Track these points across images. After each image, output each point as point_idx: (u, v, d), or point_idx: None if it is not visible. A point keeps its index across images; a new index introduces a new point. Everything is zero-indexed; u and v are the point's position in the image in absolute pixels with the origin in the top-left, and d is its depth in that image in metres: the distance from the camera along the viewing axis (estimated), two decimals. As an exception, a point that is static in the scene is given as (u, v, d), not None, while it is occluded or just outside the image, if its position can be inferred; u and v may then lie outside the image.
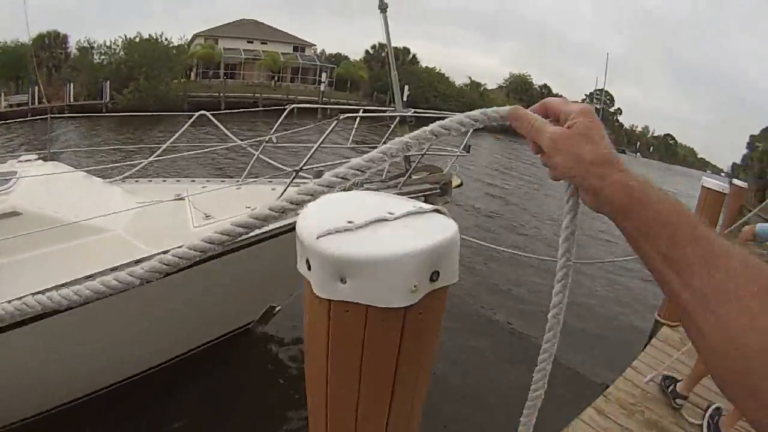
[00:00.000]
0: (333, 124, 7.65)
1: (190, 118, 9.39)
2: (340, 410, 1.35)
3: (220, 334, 8.62)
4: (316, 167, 7.85)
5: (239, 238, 3.72)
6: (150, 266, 1.48)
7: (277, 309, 9.01)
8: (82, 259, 6.22)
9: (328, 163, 8.56)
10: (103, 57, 69.47)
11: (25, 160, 9.40)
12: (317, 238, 1.16)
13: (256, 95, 68.72)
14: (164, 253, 1.43)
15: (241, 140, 9.35)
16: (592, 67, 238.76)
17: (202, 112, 9.33)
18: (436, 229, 1.24)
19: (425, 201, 6.81)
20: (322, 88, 74.79)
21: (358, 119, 8.53)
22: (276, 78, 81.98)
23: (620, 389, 6.72)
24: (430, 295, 1.20)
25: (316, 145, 7.56)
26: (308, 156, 7.54)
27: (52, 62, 72.52)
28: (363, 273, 1.14)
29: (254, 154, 9.14)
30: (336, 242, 1.16)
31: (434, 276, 1.19)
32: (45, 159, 9.74)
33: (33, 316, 5.76)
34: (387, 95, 73.46)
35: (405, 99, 65.12)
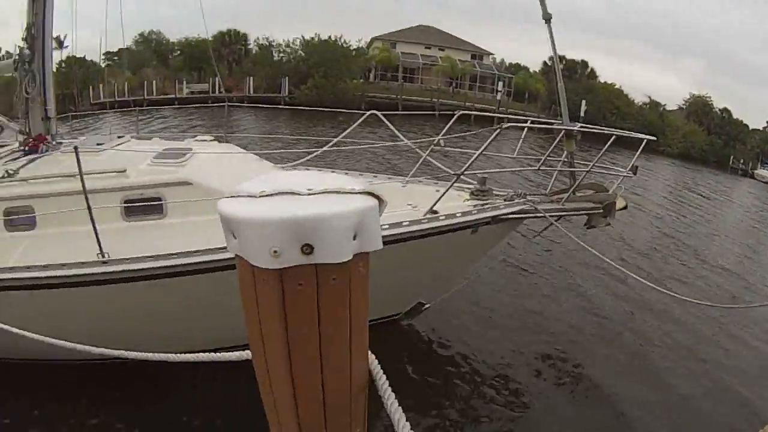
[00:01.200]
0: (495, 133, 7.80)
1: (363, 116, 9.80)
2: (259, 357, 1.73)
3: (370, 318, 8.63)
4: (479, 173, 8.40)
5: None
6: None
7: (426, 306, 9.18)
8: None
9: (489, 170, 8.79)
10: (281, 55, 74.50)
11: (201, 140, 10.62)
12: (221, 198, 1.53)
13: (434, 100, 68.90)
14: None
15: (410, 142, 9.60)
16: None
17: (373, 111, 9.77)
18: (325, 206, 1.42)
19: (588, 220, 7.53)
20: (498, 98, 74.38)
21: (525, 130, 8.69)
22: (454, 84, 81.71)
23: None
24: (311, 270, 1.45)
25: (477, 153, 7.75)
26: (469, 162, 7.74)
27: (233, 57, 78.09)
28: (238, 231, 1.45)
29: (421, 155, 9.44)
30: (233, 204, 1.47)
31: (306, 248, 1.40)
32: (220, 140, 10.92)
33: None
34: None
35: (582, 115, 64.38)
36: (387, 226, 7.09)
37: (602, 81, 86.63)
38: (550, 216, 8.09)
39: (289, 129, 36.66)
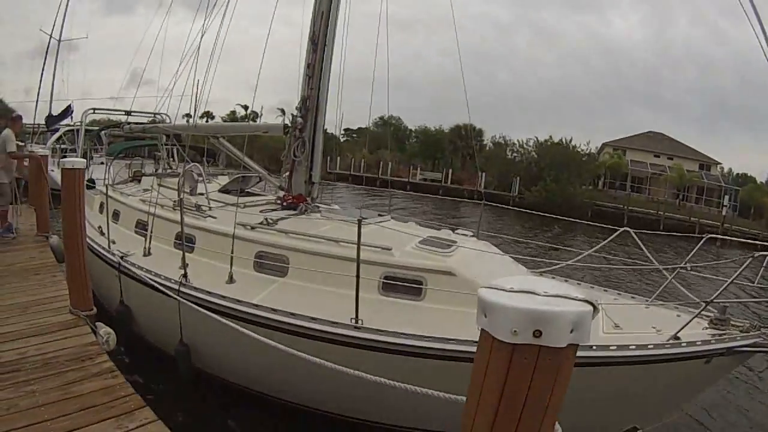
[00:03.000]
0: (747, 262, 7.57)
1: (611, 232, 10.24)
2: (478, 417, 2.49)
3: None
4: (725, 302, 8.04)
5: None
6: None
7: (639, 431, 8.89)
8: None
9: (736, 300, 8.77)
10: (515, 154, 75.41)
11: (462, 234, 11.26)
12: (481, 287, 2.45)
13: (659, 213, 66.67)
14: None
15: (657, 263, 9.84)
16: None
17: (626, 228, 10.06)
18: (553, 305, 2.21)
19: None
20: (724, 213, 69.55)
21: (755, 254, 7.79)
22: (681, 197, 79.08)
23: None
24: (536, 350, 2.22)
25: (728, 282, 7.66)
26: (719, 291, 7.60)
27: (467, 151, 78.95)
28: (489, 312, 2.30)
29: (667, 278, 9.42)
30: (488, 292, 2.35)
31: (536, 333, 2.18)
32: (477, 237, 11.46)
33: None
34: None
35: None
36: (633, 347, 7.12)
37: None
38: None
39: (517, 228, 37.06)
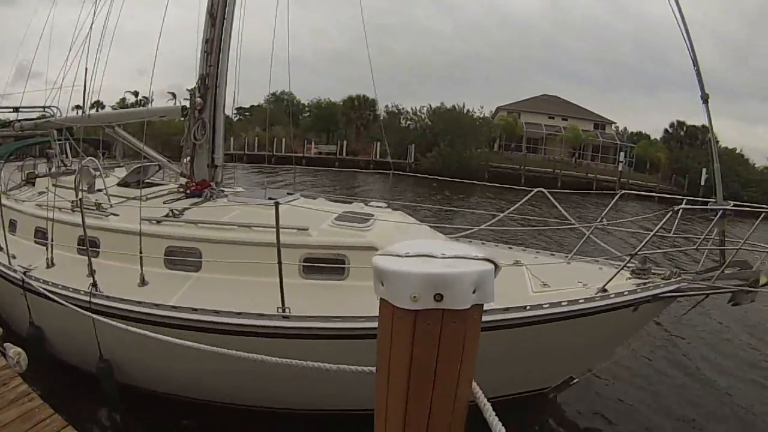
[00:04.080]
0: (666, 218, 8.09)
1: (512, 192, 10.70)
2: (383, 388, 2.36)
3: (519, 391, 8.94)
4: (647, 253, 8.66)
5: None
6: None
7: (575, 381, 9.24)
8: None
9: (657, 251, 9.16)
10: (408, 122, 76.10)
11: (377, 206, 10.97)
12: (375, 255, 2.27)
13: (556, 171, 68.98)
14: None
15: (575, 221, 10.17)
16: None
17: (541, 189, 10.25)
18: (452, 267, 2.12)
19: (732, 296, 7.68)
20: (620, 168, 73.20)
21: (680, 212, 8.37)
22: (576, 155, 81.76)
23: None
24: (439, 314, 2.10)
25: (651, 234, 8.17)
26: (643, 243, 8.20)
27: (361, 122, 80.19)
28: (386, 279, 2.15)
29: (584, 234, 9.86)
30: (385, 260, 2.19)
31: (437, 297, 2.06)
32: (393, 208, 11.19)
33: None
34: (685, 179, 71.06)
35: (703, 183, 62.93)
36: (565, 303, 7.37)
37: (724, 146, 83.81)
38: (703, 293, 8.23)
39: (414, 195, 36.99)
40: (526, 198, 10.15)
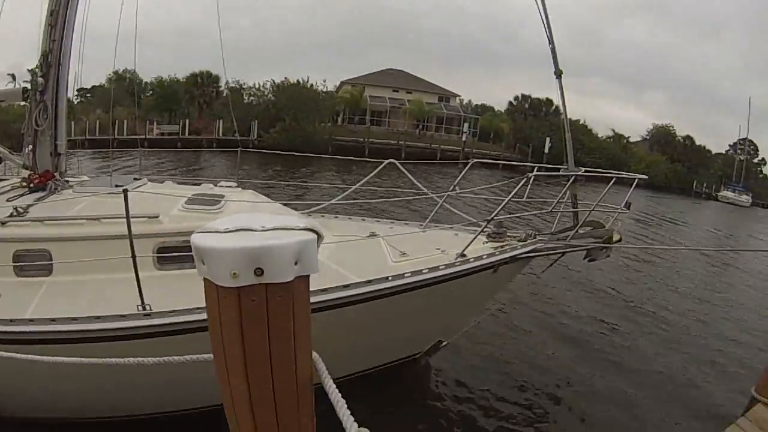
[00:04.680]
0: (521, 183, 8.45)
1: (374, 165, 10.16)
2: (221, 364, 2.21)
3: (392, 360, 9.11)
4: (503, 218, 8.96)
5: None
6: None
7: (444, 344, 9.35)
8: None
9: (512, 215, 9.95)
10: (252, 98, 73.87)
11: (227, 186, 10.45)
12: (192, 234, 2.10)
13: (400, 143, 69.64)
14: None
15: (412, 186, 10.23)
16: (736, 116, 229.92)
17: (392, 160, 10.15)
18: (271, 239, 2.00)
19: (587, 253, 8.10)
20: (464, 139, 75.22)
21: (532, 178, 8.69)
22: (420, 127, 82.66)
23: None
24: (262, 289, 2.00)
25: (506, 200, 8.46)
26: (499, 208, 8.46)
27: (204, 99, 77.10)
28: (207, 259, 2.00)
29: (438, 202, 9.86)
30: (203, 237, 2.04)
31: (258, 271, 1.96)
32: (243, 187, 10.72)
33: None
34: (529, 147, 73.57)
35: (546, 152, 65.05)
36: (426, 270, 7.37)
37: (570, 118, 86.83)
38: (560, 252, 8.68)
39: (260, 172, 36.48)
40: (378, 170, 10.02)
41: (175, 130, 68.73)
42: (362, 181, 10.20)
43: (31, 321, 6.75)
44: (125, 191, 6.66)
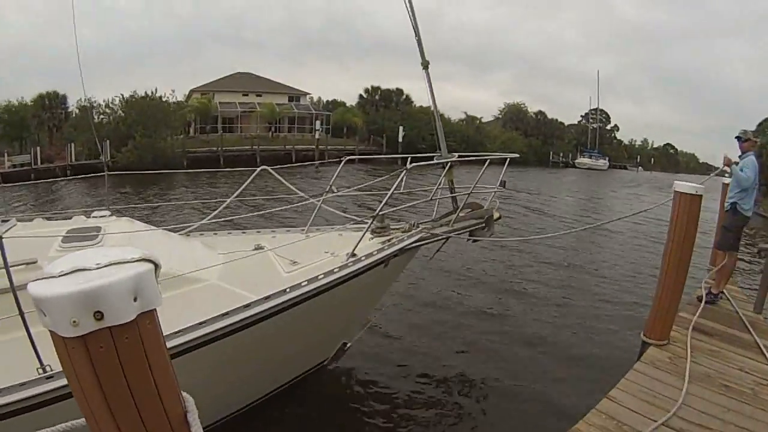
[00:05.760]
0: (402, 174, 8.36)
1: (252, 173, 9.86)
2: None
3: (300, 372, 8.98)
4: (388, 211, 8.82)
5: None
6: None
7: (348, 345, 9.33)
8: (191, 306, 6.63)
9: (397, 207, 9.77)
10: (102, 116, 69.72)
11: (100, 216, 9.50)
12: (28, 284, 1.86)
13: (254, 147, 69.38)
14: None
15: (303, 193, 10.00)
16: (584, 89, 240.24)
17: (264, 167, 9.86)
18: (105, 277, 1.81)
19: (471, 235, 8.47)
20: (317, 136, 75.54)
21: (408, 166, 8.60)
22: (273, 129, 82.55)
23: (593, 425, 5.78)
24: (106, 334, 1.82)
25: (389, 193, 8.25)
26: (383, 201, 8.39)
27: (53, 122, 74.06)
28: (46, 309, 1.78)
29: (317, 204, 9.71)
30: (39, 286, 1.81)
31: (97, 315, 1.78)
32: (118, 215, 9.87)
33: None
34: (383, 138, 74.67)
35: (401, 140, 65.72)
36: (322, 276, 7.14)
37: (418, 106, 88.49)
38: (444, 237, 8.72)
39: (121, 195, 35.18)
40: (251, 179, 9.78)
41: (27, 161, 65.40)
42: (236, 193, 9.86)
43: None
44: (0, 239, 5.69)
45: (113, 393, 1.88)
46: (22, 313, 5.48)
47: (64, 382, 5.15)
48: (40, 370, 5.56)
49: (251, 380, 7.92)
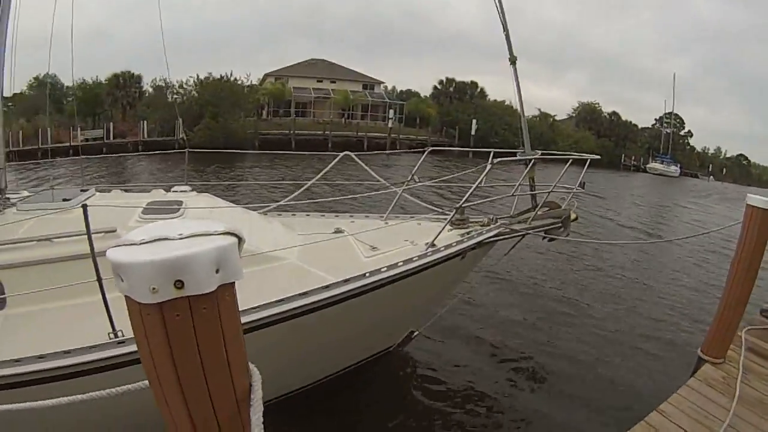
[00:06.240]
0: (487, 169, 8.20)
1: (334, 157, 10.19)
2: (158, 386, 2.06)
3: (367, 356, 9.09)
4: (468, 205, 8.75)
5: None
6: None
7: (416, 333, 9.44)
8: (270, 282, 6.85)
9: (479, 201, 9.90)
10: (176, 96, 70.81)
11: (181, 191, 9.70)
12: (107, 250, 1.90)
13: (326, 133, 69.75)
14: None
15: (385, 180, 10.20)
16: (659, 91, 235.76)
17: (347, 152, 10.07)
18: (188, 248, 1.84)
19: (547, 233, 8.43)
20: (390, 125, 75.60)
21: (493, 161, 8.47)
22: (346, 115, 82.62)
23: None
24: (185, 303, 1.84)
25: (473, 186, 8.19)
26: (467, 195, 8.31)
27: (127, 100, 75.74)
28: (124, 275, 1.82)
29: (397, 193, 9.87)
30: (118, 252, 1.85)
31: (178, 284, 1.80)
32: (198, 191, 10.07)
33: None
34: (456, 130, 74.32)
35: (473, 133, 65.40)
36: (401, 263, 7.24)
37: (493, 99, 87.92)
38: (521, 234, 8.66)
39: (193, 173, 35.28)
40: (333, 163, 10.11)
41: (100, 135, 66.80)
42: (318, 176, 10.20)
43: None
44: (84, 207, 6.03)
45: (183, 360, 1.92)
46: (99, 279, 5.85)
47: (134, 348, 5.53)
48: (112, 335, 5.92)
49: (317, 360, 8.02)
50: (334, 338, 7.55)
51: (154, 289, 1.76)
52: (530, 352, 10.94)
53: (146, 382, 2.18)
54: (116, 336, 5.96)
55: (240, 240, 2.01)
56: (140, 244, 1.89)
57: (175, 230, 1.95)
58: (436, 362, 10.16)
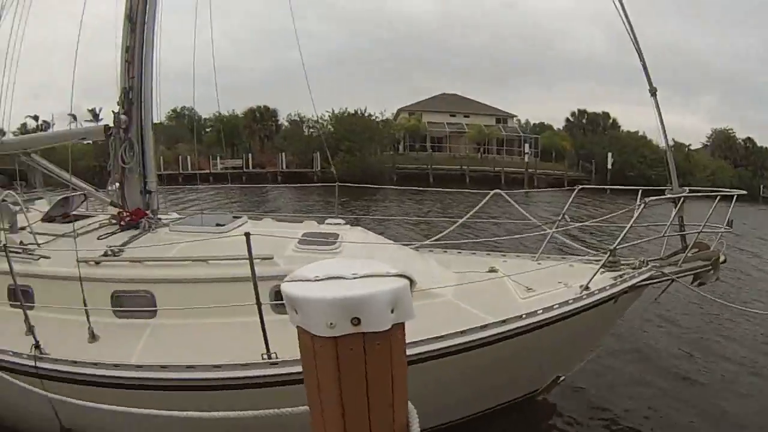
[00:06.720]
0: (641, 209, 8.32)
1: (485, 195, 10.26)
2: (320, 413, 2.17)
3: (512, 398, 8.91)
4: (622, 246, 8.68)
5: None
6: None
7: (562, 379, 9.22)
8: (427, 319, 6.66)
9: (632, 243, 9.82)
10: (311, 130, 74.69)
11: (335, 223, 10.03)
12: (282, 281, 2.14)
13: (463, 167, 70.10)
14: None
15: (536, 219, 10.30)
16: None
17: (497, 191, 10.27)
18: (365, 288, 1.97)
19: (695, 277, 8.08)
20: (526, 159, 74.90)
21: (646, 200, 8.50)
22: (482, 150, 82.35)
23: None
24: (359, 338, 1.97)
25: (627, 227, 8.27)
26: (621, 236, 8.29)
27: (264, 133, 79.71)
28: (299, 308, 2.00)
29: (548, 232, 9.97)
30: (293, 286, 2.04)
31: (355, 321, 1.92)
32: (351, 224, 10.41)
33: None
34: (592, 164, 73.01)
35: (610, 167, 64.34)
36: (557, 306, 7.31)
37: (625, 130, 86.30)
38: (673, 278, 8.38)
39: (325, 204, 35.83)
40: (484, 201, 10.22)
41: (239, 164, 70.41)
42: (469, 214, 10.36)
43: (139, 367, 6.65)
44: (247, 234, 6.55)
45: (351, 391, 2.02)
46: (259, 303, 6.38)
47: (287, 369, 6.25)
48: (265, 356, 6.44)
49: (463, 399, 8.00)
50: (483, 377, 7.55)
51: (331, 324, 1.92)
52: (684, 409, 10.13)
53: (305, 407, 2.42)
54: (269, 357, 6.43)
55: (412, 282, 2.11)
56: (315, 280, 2.07)
57: (348, 269, 2.12)
58: (578, 412, 9.89)
